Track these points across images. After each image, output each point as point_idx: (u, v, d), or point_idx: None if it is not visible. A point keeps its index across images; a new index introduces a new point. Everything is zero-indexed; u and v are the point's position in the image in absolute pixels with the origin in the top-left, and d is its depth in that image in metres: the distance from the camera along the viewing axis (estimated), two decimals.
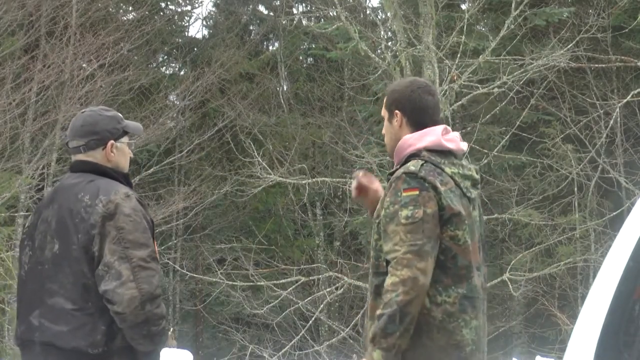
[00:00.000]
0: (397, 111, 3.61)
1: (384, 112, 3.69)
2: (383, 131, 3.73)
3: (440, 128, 3.58)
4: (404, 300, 3.27)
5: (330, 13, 18.45)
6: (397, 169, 3.53)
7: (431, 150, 3.52)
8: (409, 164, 3.48)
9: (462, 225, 3.44)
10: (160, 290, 3.50)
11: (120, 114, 3.86)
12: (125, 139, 3.79)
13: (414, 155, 3.52)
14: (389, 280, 3.33)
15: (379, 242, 3.48)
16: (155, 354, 3.56)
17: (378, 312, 3.34)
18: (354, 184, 3.82)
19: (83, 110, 3.90)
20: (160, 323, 3.49)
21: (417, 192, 3.38)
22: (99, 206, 3.52)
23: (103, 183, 3.61)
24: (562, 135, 17.17)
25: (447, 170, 3.49)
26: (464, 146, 3.64)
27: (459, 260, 3.44)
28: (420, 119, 3.59)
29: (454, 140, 3.60)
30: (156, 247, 3.69)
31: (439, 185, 3.41)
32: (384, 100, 3.70)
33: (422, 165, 3.44)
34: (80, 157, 3.74)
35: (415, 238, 3.32)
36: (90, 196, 3.56)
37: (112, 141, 3.73)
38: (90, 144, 3.73)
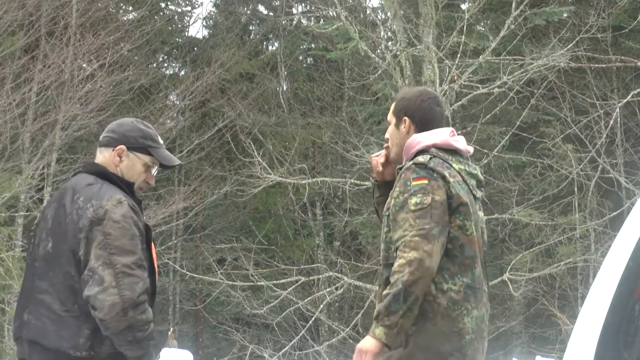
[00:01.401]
0: (405, 118, 3.76)
1: (391, 118, 3.83)
2: (387, 135, 3.85)
3: (448, 129, 3.76)
4: (409, 280, 3.37)
5: (330, 13, 18.44)
6: (405, 164, 3.65)
7: (439, 147, 3.67)
8: (418, 157, 3.61)
9: (470, 216, 3.55)
10: (144, 297, 3.45)
11: (157, 137, 3.80)
12: (143, 157, 3.74)
13: (423, 151, 3.66)
14: (396, 262, 3.43)
15: (389, 234, 3.58)
16: (146, 358, 3.54)
17: (385, 291, 3.44)
18: (381, 159, 3.92)
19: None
20: (145, 329, 3.45)
21: (426, 181, 3.50)
22: (89, 210, 3.50)
23: (101, 188, 3.59)
24: (562, 135, 17.16)
25: (455, 165, 3.62)
26: (471, 149, 3.80)
27: (466, 250, 3.54)
28: (427, 128, 3.75)
29: (461, 141, 3.75)
30: (154, 251, 3.67)
31: (447, 175, 3.54)
32: (392, 106, 3.84)
33: (430, 158, 3.57)
34: (97, 152, 3.77)
35: (423, 223, 3.44)
36: (84, 199, 3.55)
37: (122, 146, 3.70)
38: (104, 140, 3.75)
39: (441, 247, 3.46)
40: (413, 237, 3.41)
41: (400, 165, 3.69)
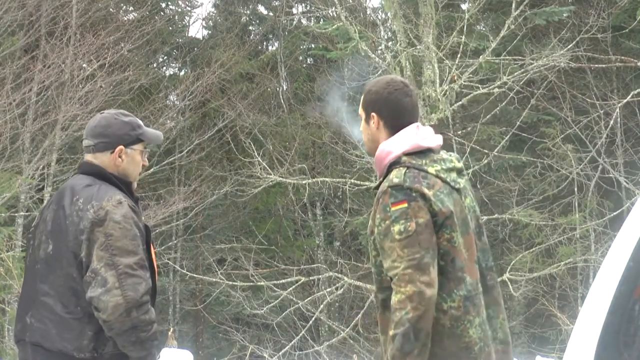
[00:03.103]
0: (373, 113, 3.54)
1: (361, 112, 3.61)
2: (361, 129, 3.64)
3: (413, 127, 3.51)
4: (414, 317, 3.21)
5: (330, 13, 18.45)
6: (380, 182, 3.46)
7: (410, 153, 3.45)
8: (391, 175, 3.39)
9: (455, 227, 3.38)
10: (147, 297, 3.46)
11: (138, 121, 3.81)
12: (138, 147, 3.76)
13: (395, 163, 3.45)
14: (395, 297, 3.25)
15: (378, 258, 3.42)
16: (149, 358, 3.54)
17: (391, 332, 3.26)
18: None
19: (102, 111, 3.87)
20: (149, 329, 3.46)
21: (405, 205, 3.30)
22: (90, 211, 3.51)
23: (99, 188, 3.59)
24: (563, 135, 17.17)
25: (431, 170, 3.41)
26: (440, 139, 3.56)
27: (457, 262, 3.39)
28: (397, 122, 3.51)
29: (429, 137, 3.52)
30: (154, 252, 3.67)
31: (426, 191, 3.33)
32: (362, 99, 3.62)
33: (405, 173, 3.36)
34: (89, 157, 3.74)
35: (412, 252, 3.25)
36: (83, 200, 3.55)
37: (121, 146, 3.70)
38: (99, 146, 3.72)
39: (436, 271, 3.29)
40: (405, 269, 3.22)
41: (376, 184, 3.50)
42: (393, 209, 3.31)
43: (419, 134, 3.50)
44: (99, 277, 3.42)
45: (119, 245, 3.45)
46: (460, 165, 3.56)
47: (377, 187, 3.46)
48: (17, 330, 3.67)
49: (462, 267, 3.40)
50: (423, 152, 3.47)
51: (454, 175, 3.48)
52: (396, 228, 3.29)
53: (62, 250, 3.53)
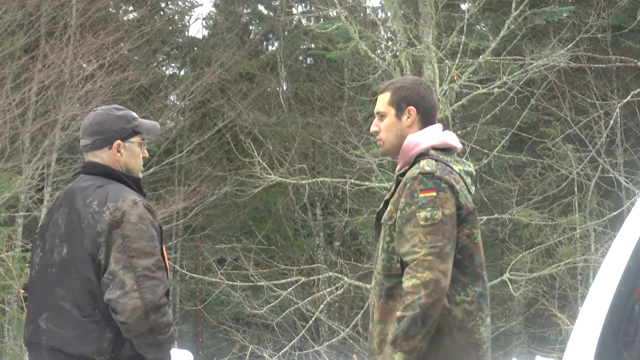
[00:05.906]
0: (410, 108, 3.59)
1: (387, 109, 3.63)
2: (375, 128, 3.67)
3: (439, 126, 3.62)
4: (427, 303, 3.24)
5: (330, 13, 18.45)
6: (406, 169, 3.50)
7: (437, 148, 3.53)
8: (422, 163, 3.44)
9: (476, 223, 3.45)
10: (165, 299, 3.46)
11: (133, 113, 3.80)
12: (136, 139, 3.74)
13: (423, 154, 3.50)
14: (409, 282, 3.29)
15: (392, 244, 3.43)
16: None
17: (398, 314, 3.30)
18: None
19: (95, 109, 3.86)
20: (166, 331, 3.47)
21: (434, 194, 3.35)
22: (106, 213, 3.49)
23: (112, 189, 3.57)
24: (563, 135, 17.17)
25: (455, 168, 3.49)
26: (460, 144, 3.68)
27: (476, 259, 3.43)
28: (430, 117, 3.62)
29: (453, 138, 3.62)
30: (165, 252, 3.66)
31: (455, 184, 3.40)
32: (388, 96, 3.64)
33: (435, 164, 3.42)
34: (90, 157, 3.72)
35: (435, 240, 3.29)
36: (98, 202, 3.53)
37: (118, 141, 3.68)
38: (96, 143, 3.70)
39: (452, 263, 3.35)
40: (426, 255, 3.27)
41: (401, 172, 3.54)
42: (421, 195, 3.36)
43: (445, 133, 3.61)
44: (117, 279, 3.40)
45: (136, 247, 3.43)
46: (474, 173, 3.65)
47: (402, 175, 3.50)
48: (28, 334, 3.64)
49: (482, 264, 3.46)
50: (448, 150, 3.56)
51: (469, 179, 3.57)
52: (422, 214, 3.33)
53: (77, 253, 3.51)
